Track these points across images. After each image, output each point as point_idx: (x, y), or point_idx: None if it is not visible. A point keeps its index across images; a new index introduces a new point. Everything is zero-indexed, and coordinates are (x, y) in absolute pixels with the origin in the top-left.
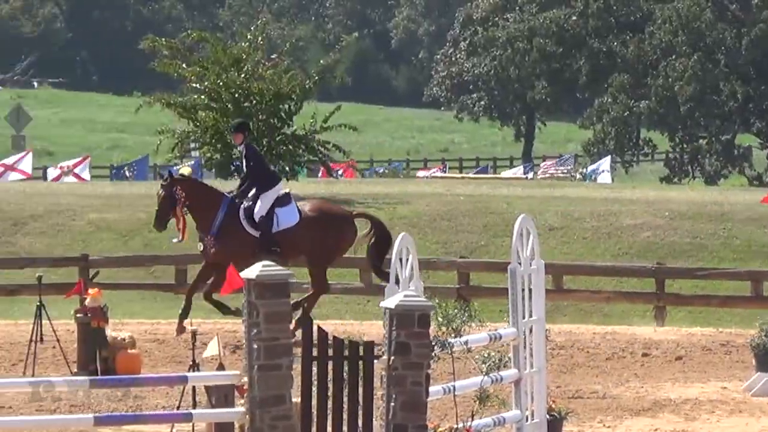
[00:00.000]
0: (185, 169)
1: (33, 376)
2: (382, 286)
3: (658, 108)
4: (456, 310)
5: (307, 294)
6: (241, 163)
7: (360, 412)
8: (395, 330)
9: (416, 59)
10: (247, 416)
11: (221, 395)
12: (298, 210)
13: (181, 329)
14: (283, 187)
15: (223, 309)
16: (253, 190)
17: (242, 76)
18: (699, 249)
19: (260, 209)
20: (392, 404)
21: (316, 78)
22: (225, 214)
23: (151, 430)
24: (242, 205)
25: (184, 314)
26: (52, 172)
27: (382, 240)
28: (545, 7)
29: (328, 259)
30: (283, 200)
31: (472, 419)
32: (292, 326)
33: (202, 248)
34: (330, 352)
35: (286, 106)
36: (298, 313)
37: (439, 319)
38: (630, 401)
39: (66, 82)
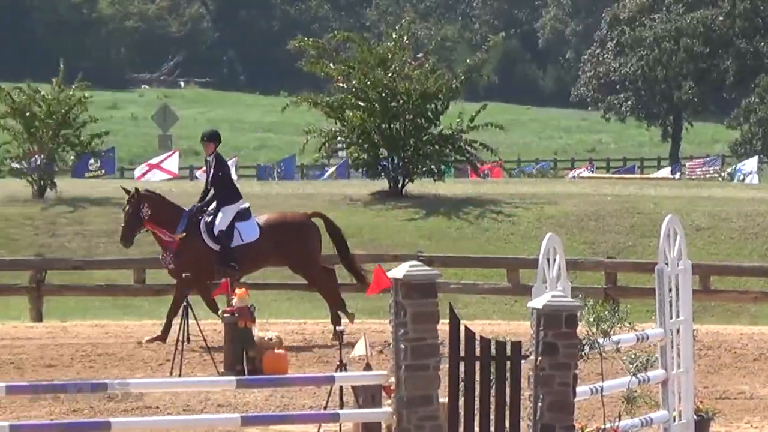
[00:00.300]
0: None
1: (180, 376)
2: (530, 286)
3: None
4: (607, 312)
5: (330, 304)
6: (208, 173)
7: (507, 413)
8: (543, 330)
9: (563, 59)
10: (394, 416)
11: (368, 395)
12: (258, 224)
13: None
14: (243, 204)
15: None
16: (214, 203)
17: (389, 75)
18: None
19: (220, 224)
20: (539, 404)
21: (463, 77)
22: (184, 227)
23: (298, 430)
24: (202, 219)
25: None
26: (199, 175)
27: (335, 240)
28: (692, 8)
29: (308, 264)
30: (244, 215)
31: (620, 420)
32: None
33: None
34: (477, 352)
35: (433, 106)
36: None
37: (590, 319)
38: None
39: (212, 82)
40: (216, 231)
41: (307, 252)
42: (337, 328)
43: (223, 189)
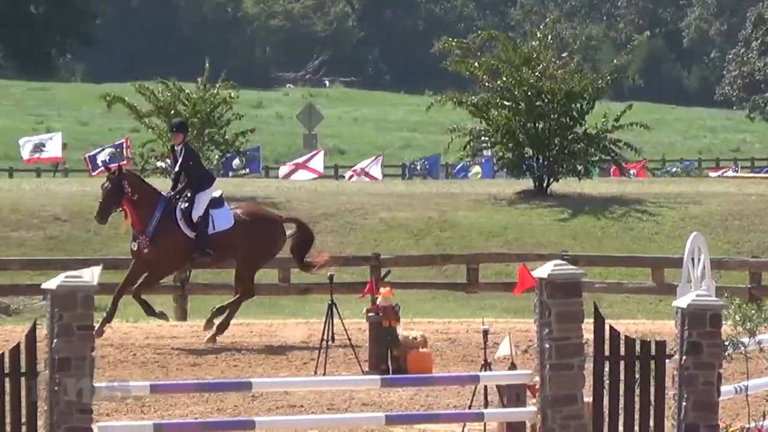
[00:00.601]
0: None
1: (324, 375)
2: (674, 285)
3: None
4: (753, 312)
5: (232, 299)
6: (175, 162)
7: (651, 412)
8: (687, 329)
9: (708, 58)
10: (539, 415)
11: (513, 394)
12: (232, 213)
13: (100, 332)
14: (216, 189)
15: (148, 310)
16: (188, 191)
17: (534, 74)
18: None
19: (197, 210)
20: (684, 404)
21: (609, 78)
22: (162, 213)
23: (442, 429)
24: (179, 206)
25: (109, 318)
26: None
27: (303, 244)
28: None
29: (258, 264)
30: (217, 202)
31: (764, 419)
32: (211, 333)
33: (135, 247)
34: (622, 351)
35: (578, 105)
36: (221, 319)
37: (737, 318)
38: None
39: (357, 81)
40: (195, 217)
41: (266, 254)
42: (482, 327)
43: (194, 177)
